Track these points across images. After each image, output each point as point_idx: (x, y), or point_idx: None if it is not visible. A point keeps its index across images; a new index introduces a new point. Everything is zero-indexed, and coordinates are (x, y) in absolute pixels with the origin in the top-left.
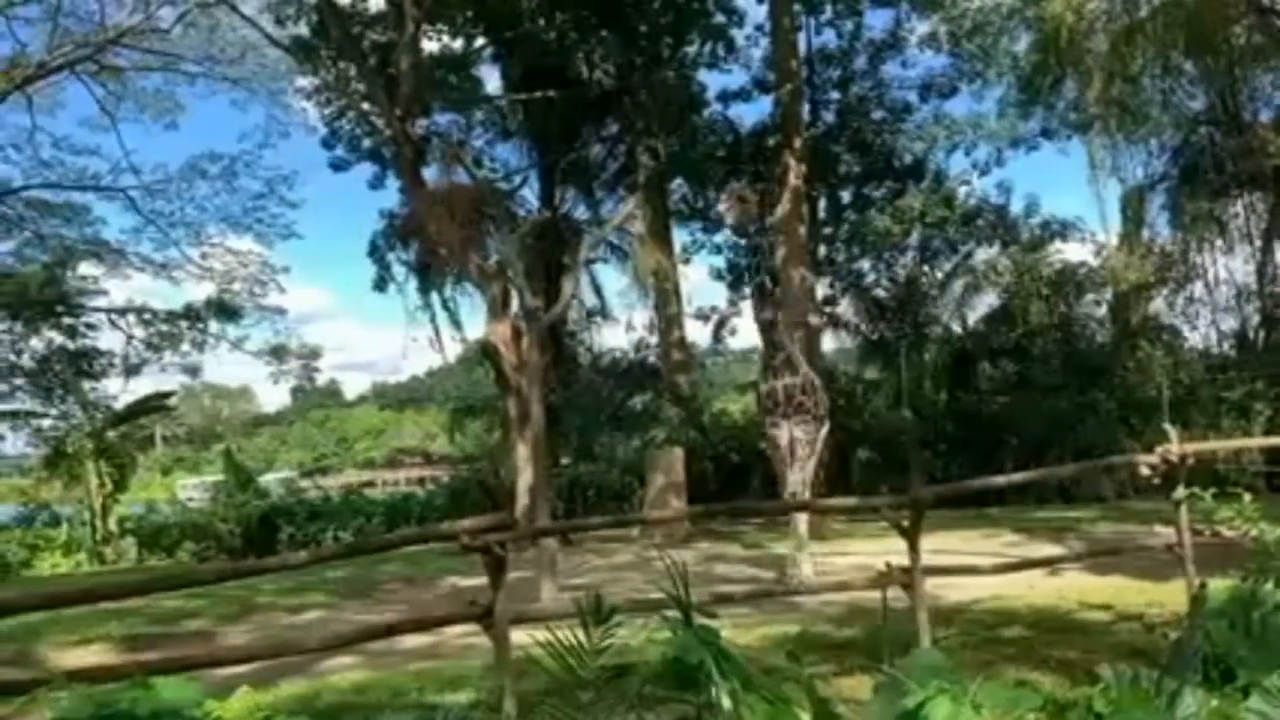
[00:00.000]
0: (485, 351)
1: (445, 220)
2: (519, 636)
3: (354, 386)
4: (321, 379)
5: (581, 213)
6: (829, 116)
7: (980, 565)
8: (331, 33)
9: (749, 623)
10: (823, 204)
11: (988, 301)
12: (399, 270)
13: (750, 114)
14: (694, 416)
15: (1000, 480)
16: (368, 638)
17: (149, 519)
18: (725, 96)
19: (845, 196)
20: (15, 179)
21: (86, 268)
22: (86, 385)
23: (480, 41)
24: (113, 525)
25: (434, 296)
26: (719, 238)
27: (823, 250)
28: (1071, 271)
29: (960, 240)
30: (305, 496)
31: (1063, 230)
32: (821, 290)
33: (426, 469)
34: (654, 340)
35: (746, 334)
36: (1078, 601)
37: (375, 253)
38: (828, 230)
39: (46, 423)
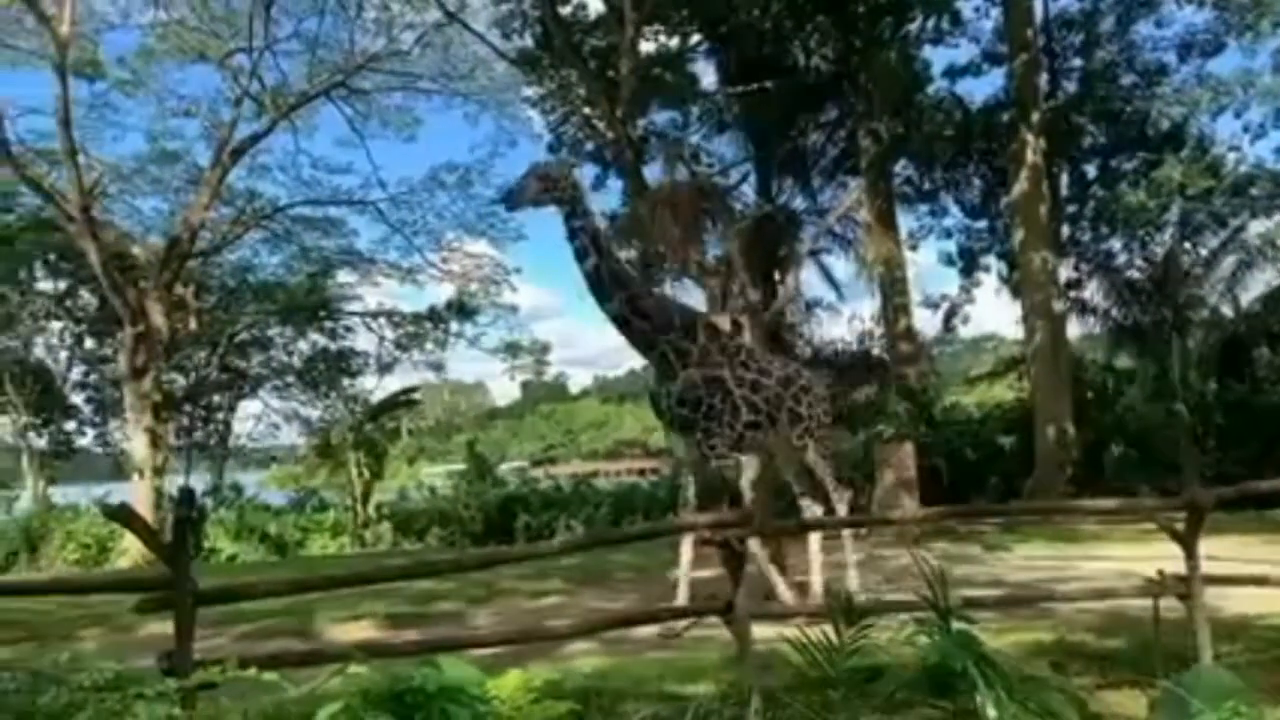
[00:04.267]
0: (706, 330)
1: (666, 218)
2: (755, 631)
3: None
4: (549, 374)
5: (799, 203)
6: (1070, 86)
7: (1270, 576)
8: (554, 42)
9: (996, 628)
10: (1065, 180)
11: (1264, 280)
12: None
13: (980, 89)
14: (924, 410)
15: None
16: (619, 625)
17: (401, 505)
18: (952, 73)
19: (1090, 171)
20: (282, 198)
21: (343, 276)
22: (346, 382)
23: (696, 38)
24: (371, 510)
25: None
26: (948, 221)
27: (1066, 230)
28: None
29: (1230, 213)
30: (539, 486)
31: None
32: (1065, 273)
33: (647, 461)
34: (879, 331)
35: (979, 322)
36: None
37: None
38: (1072, 208)
39: (314, 416)
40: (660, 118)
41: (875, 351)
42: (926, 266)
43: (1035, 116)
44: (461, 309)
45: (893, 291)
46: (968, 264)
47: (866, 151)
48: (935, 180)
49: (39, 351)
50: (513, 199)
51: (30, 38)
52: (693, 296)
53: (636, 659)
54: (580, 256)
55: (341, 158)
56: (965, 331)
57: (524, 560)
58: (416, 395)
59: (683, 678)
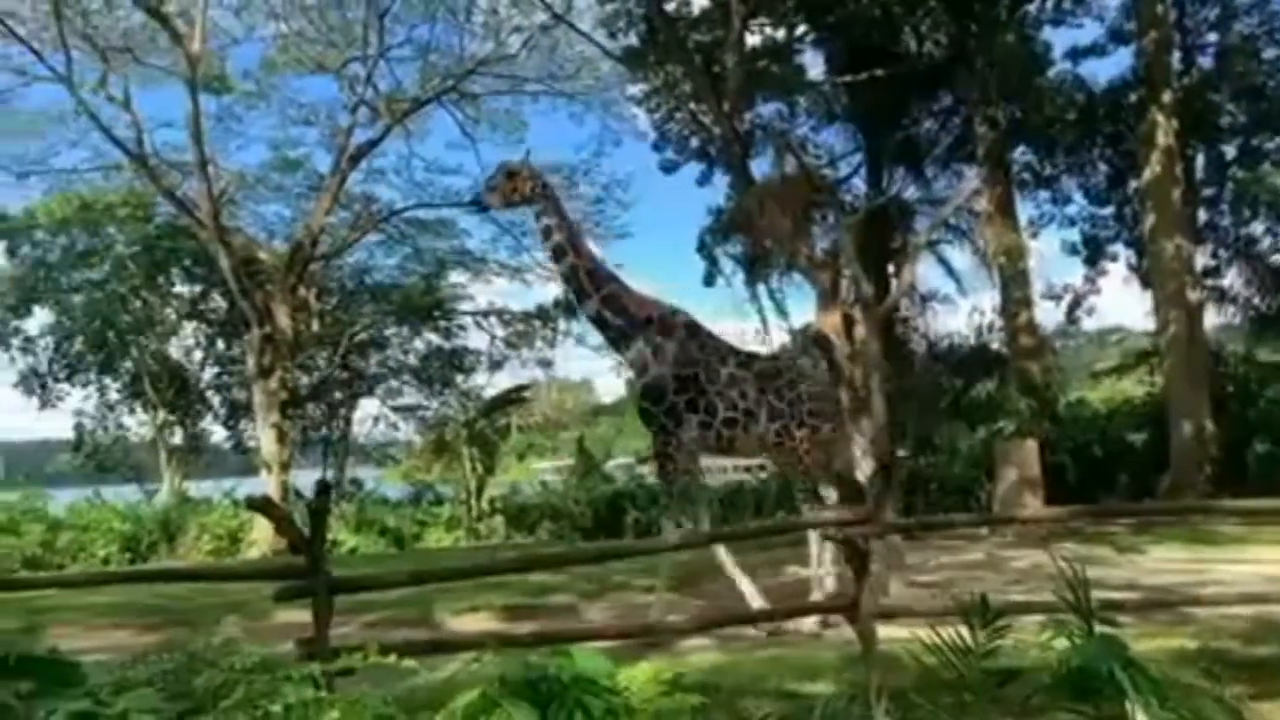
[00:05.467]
0: (816, 341)
1: (775, 211)
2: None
3: None
4: None
5: (912, 193)
6: (1205, 62)
7: None
8: (659, 38)
9: (1134, 633)
10: (1200, 162)
11: None
12: (726, 264)
13: (1105, 70)
14: (1047, 406)
15: None
16: (741, 622)
17: (513, 500)
18: (1074, 54)
19: (1229, 151)
20: (397, 201)
21: (455, 276)
22: (459, 380)
23: (802, 29)
24: (485, 504)
25: (761, 288)
26: (1071, 208)
27: (1202, 215)
28: None
29: None
30: (646, 482)
31: None
32: (1202, 260)
33: (754, 458)
34: (999, 324)
35: (1103, 314)
36: None
37: (703, 249)
38: (1208, 192)
39: (429, 413)
40: (767, 110)
41: (994, 345)
42: (1048, 256)
43: (1167, 96)
44: (568, 307)
45: (1013, 283)
46: (1093, 253)
47: (983, 138)
48: (1057, 166)
49: (175, 352)
50: (482, 201)
51: (164, 56)
52: (802, 291)
53: (750, 656)
54: (556, 256)
55: (452, 160)
56: (1089, 324)
57: (637, 555)
58: (527, 393)
59: (800, 676)
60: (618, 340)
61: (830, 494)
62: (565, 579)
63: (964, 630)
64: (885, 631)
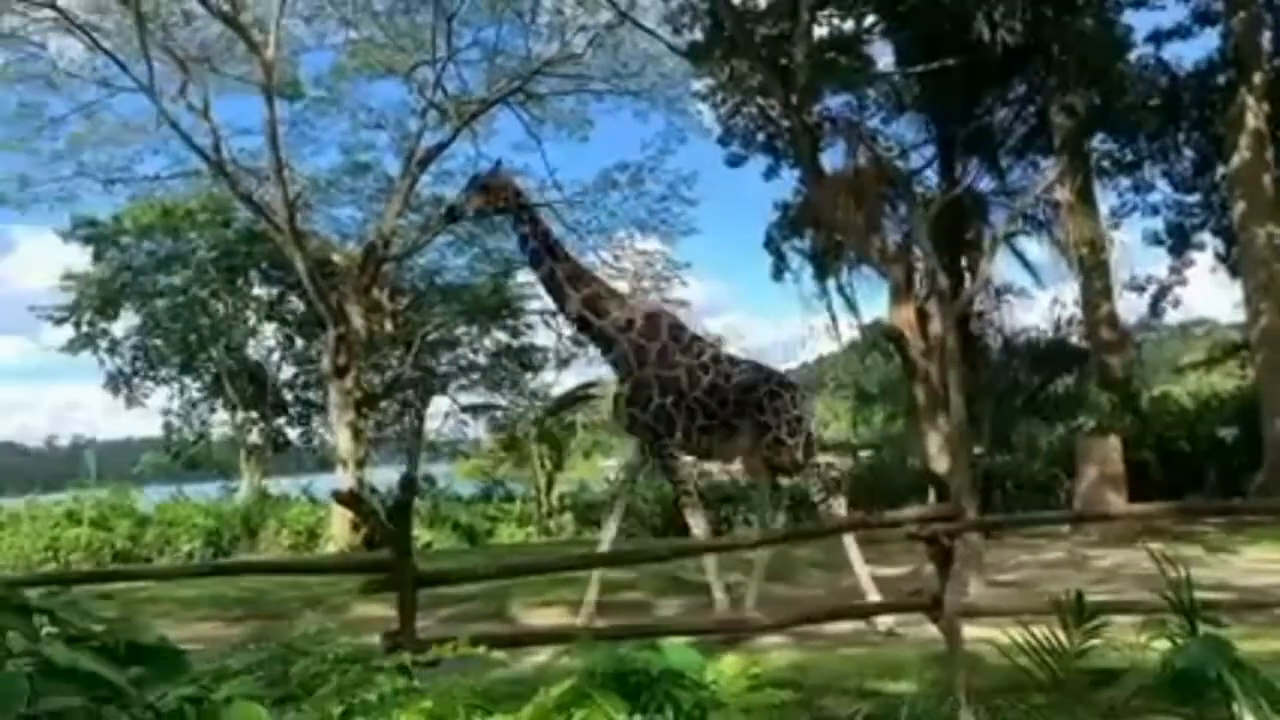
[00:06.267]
0: (889, 336)
1: (847, 204)
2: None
3: None
4: None
5: (986, 184)
6: None
7: None
8: (726, 33)
9: (1235, 635)
10: None
11: None
12: (794, 259)
13: (1191, 53)
14: (1130, 401)
15: None
16: (822, 619)
17: (581, 496)
18: (1157, 37)
19: None
20: None
21: (523, 275)
22: (528, 378)
23: (871, 19)
24: (554, 501)
25: (830, 283)
26: (1155, 197)
27: None
28: None
29: None
30: (715, 480)
31: None
32: None
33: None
34: (1078, 317)
35: (1188, 306)
36: None
37: (771, 243)
38: None
39: (499, 411)
40: (835, 103)
41: (1074, 339)
42: (1131, 246)
43: (1257, 78)
44: None
45: (1094, 275)
46: (1178, 242)
47: (1060, 127)
48: (1139, 153)
49: (254, 353)
50: (454, 212)
51: (240, 65)
52: (873, 285)
53: (830, 654)
54: (534, 262)
55: (519, 161)
56: (1172, 316)
57: (714, 552)
58: (594, 390)
59: (882, 674)
60: (600, 342)
61: (839, 502)
62: (637, 576)
63: (1053, 629)
64: (966, 630)
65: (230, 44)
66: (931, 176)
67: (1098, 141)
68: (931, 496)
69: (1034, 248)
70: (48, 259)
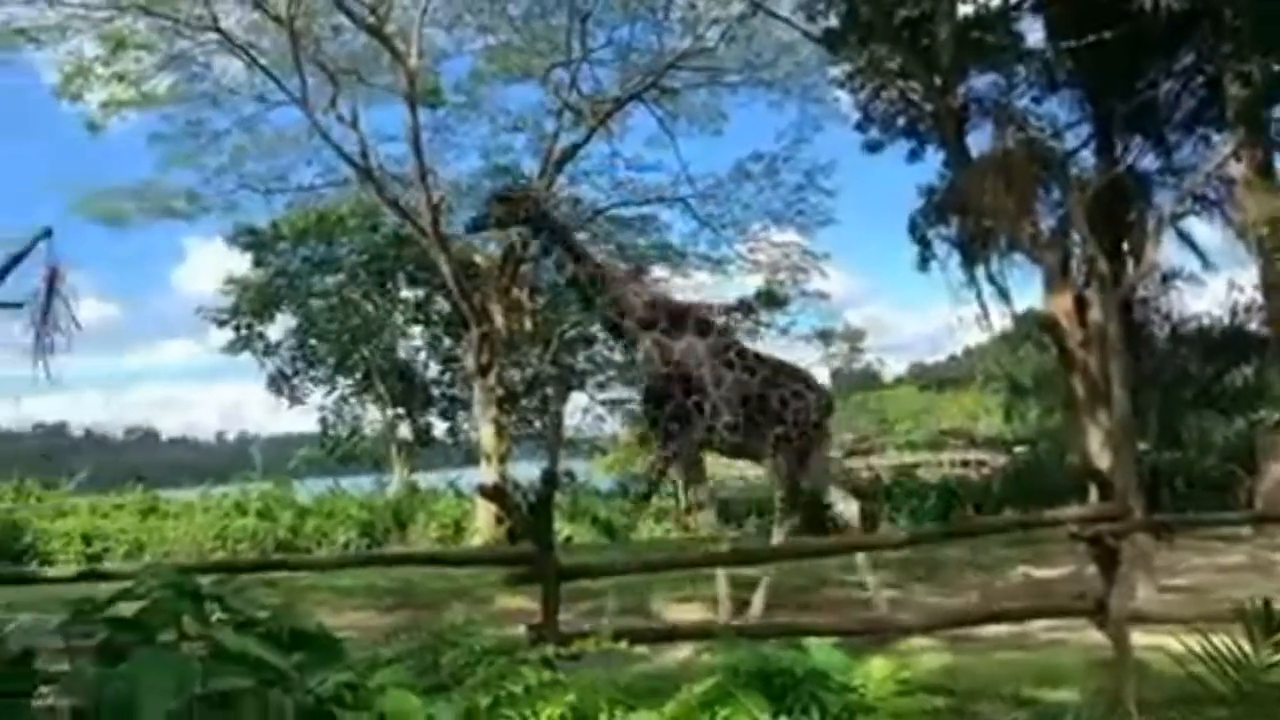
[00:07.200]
0: (1044, 326)
1: (997, 188)
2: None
3: (891, 368)
4: (861, 361)
5: (1150, 163)
6: None
7: None
8: (863, 17)
9: None
10: None
11: None
12: (940, 247)
13: None
14: None
15: None
16: (975, 622)
17: (719, 493)
18: None
19: None
20: (600, 201)
21: (657, 271)
22: None
23: None
24: (693, 497)
25: (980, 271)
26: None
27: None
28: None
29: None
30: (854, 476)
31: None
32: None
33: (974, 451)
34: (1259, 302)
35: None
36: None
37: (915, 231)
38: None
39: (635, 406)
40: (981, 83)
41: (1253, 326)
42: None
43: None
44: (770, 298)
45: (1276, 256)
46: None
47: (1234, 98)
48: None
49: (403, 352)
50: (476, 225)
51: (385, 75)
52: (1025, 272)
53: (985, 658)
54: (559, 267)
55: (652, 156)
56: None
57: (856, 551)
58: None
59: (1040, 681)
60: (628, 340)
61: (849, 505)
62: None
63: (1235, 639)
64: (1134, 638)
65: (376, 55)
66: (1088, 157)
67: (1278, 112)
68: (1093, 495)
69: (1203, 229)
70: (214, 265)
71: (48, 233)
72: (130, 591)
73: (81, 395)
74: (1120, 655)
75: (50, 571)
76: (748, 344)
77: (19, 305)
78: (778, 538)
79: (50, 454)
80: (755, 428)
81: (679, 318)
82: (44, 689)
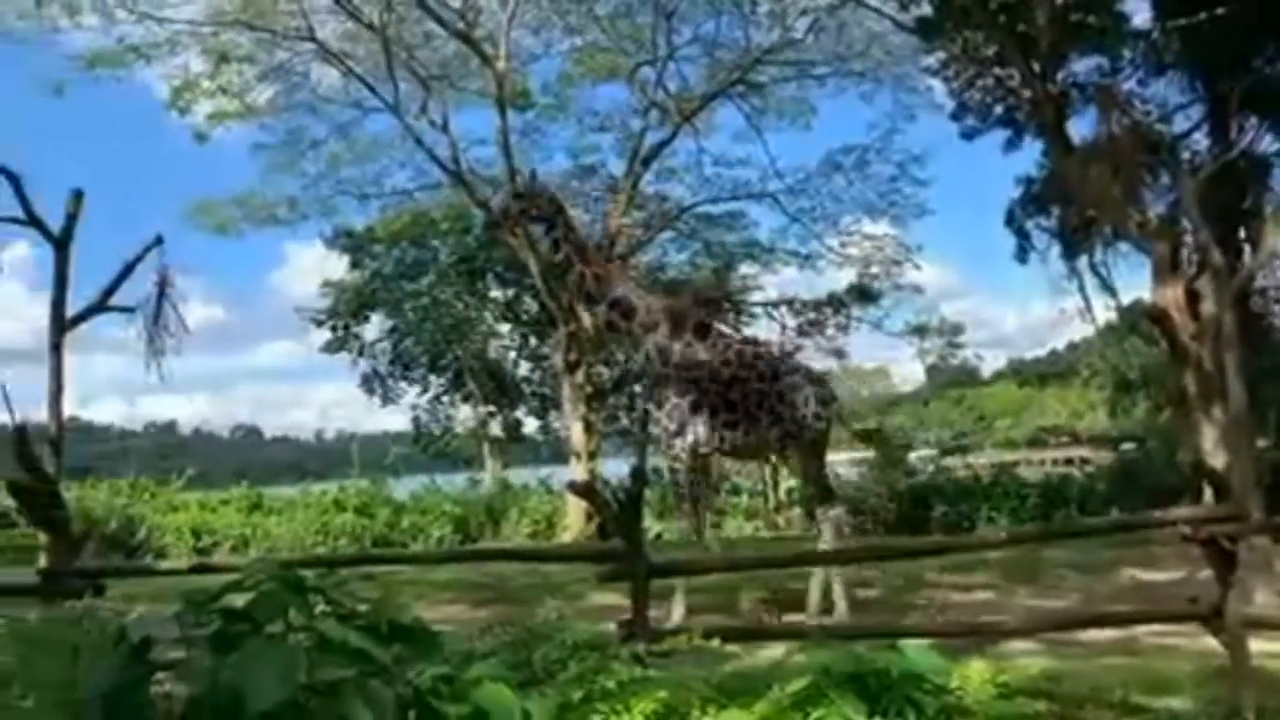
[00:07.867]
0: (1152, 318)
1: (1100, 176)
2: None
3: (988, 363)
4: (958, 356)
5: (1268, 145)
6: None
7: None
8: (958, 3)
9: None
10: None
11: None
12: (1040, 238)
13: None
14: None
15: None
16: (1083, 626)
17: (805, 490)
18: None
19: None
20: (686, 198)
21: (745, 268)
22: None
23: None
24: (782, 495)
25: (1082, 262)
26: None
27: None
28: None
29: None
30: (954, 475)
31: None
32: None
33: (1077, 449)
34: None
35: None
36: None
37: (1013, 222)
38: None
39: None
40: (1081, 67)
41: None
42: None
43: None
44: (862, 292)
45: None
46: None
47: None
48: None
49: (493, 351)
50: (495, 222)
51: (474, 79)
52: (1131, 262)
53: (1089, 663)
54: (565, 266)
55: (739, 152)
56: None
57: (951, 552)
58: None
59: (1149, 688)
60: (628, 343)
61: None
62: (875, 573)
63: None
64: (1252, 645)
65: (465, 59)
66: (1200, 140)
67: None
68: (1207, 495)
69: None
70: (313, 268)
71: (159, 241)
72: (239, 584)
73: (190, 395)
74: (1237, 662)
75: (164, 565)
76: (843, 340)
77: (132, 310)
78: (826, 534)
79: (168, 452)
80: (755, 423)
81: (680, 320)
82: (161, 676)
